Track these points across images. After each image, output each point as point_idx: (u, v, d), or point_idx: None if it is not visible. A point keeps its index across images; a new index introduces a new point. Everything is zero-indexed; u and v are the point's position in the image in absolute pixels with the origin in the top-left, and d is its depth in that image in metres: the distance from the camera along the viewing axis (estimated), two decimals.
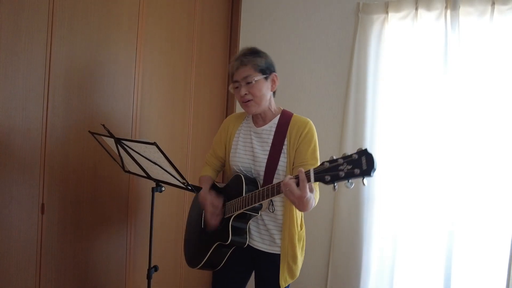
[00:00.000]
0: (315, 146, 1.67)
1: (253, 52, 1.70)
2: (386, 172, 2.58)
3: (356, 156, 1.23)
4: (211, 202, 1.72)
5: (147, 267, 1.94)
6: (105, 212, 2.05)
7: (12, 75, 1.59)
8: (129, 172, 1.89)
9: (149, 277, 1.93)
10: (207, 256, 1.76)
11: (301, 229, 1.76)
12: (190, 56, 2.61)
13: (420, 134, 2.49)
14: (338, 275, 2.70)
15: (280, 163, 1.67)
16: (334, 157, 1.30)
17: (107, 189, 2.05)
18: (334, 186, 1.28)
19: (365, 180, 1.21)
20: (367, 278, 2.61)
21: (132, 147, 1.60)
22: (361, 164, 1.20)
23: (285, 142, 1.68)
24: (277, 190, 1.47)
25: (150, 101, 2.29)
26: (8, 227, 1.61)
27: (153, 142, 1.45)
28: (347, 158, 1.25)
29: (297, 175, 1.38)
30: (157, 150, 1.48)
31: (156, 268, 1.97)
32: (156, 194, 1.95)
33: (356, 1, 2.68)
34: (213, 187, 1.84)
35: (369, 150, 1.21)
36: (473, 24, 2.37)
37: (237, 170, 1.78)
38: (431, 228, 2.48)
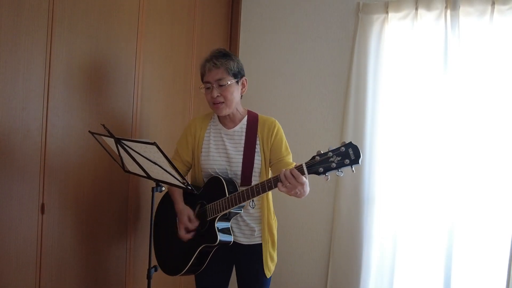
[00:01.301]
0: (285, 141, 1.83)
1: (225, 55, 1.76)
2: (386, 172, 2.58)
3: (343, 149, 1.41)
4: (189, 217, 1.78)
5: (147, 267, 1.94)
6: (105, 212, 2.04)
7: (12, 75, 1.59)
8: (129, 172, 1.89)
9: (149, 277, 1.93)
10: (191, 261, 1.79)
11: (274, 217, 1.90)
12: (190, 56, 2.61)
13: (420, 134, 2.49)
14: (338, 275, 2.70)
15: (255, 161, 1.77)
16: (322, 151, 1.45)
17: (107, 189, 2.05)
18: (326, 176, 1.44)
19: (353, 167, 1.41)
20: (367, 278, 2.61)
21: (132, 147, 1.60)
22: (349, 155, 1.40)
23: (257, 142, 1.78)
24: (268, 186, 1.54)
25: (150, 101, 2.29)
26: (8, 227, 1.61)
27: (153, 142, 1.45)
28: (335, 151, 1.42)
29: (289, 170, 1.46)
30: (157, 150, 1.48)
31: (156, 268, 1.97)
32: (156, 194, 1.95)
33: (356, 1, 2.68)
34: (188, 194, 1.86)
35: (354, 142, 1.41)
36: (473, 24, 2.37)
37: (212, 173, 1.82)
38: (431, 227, 2.48)
